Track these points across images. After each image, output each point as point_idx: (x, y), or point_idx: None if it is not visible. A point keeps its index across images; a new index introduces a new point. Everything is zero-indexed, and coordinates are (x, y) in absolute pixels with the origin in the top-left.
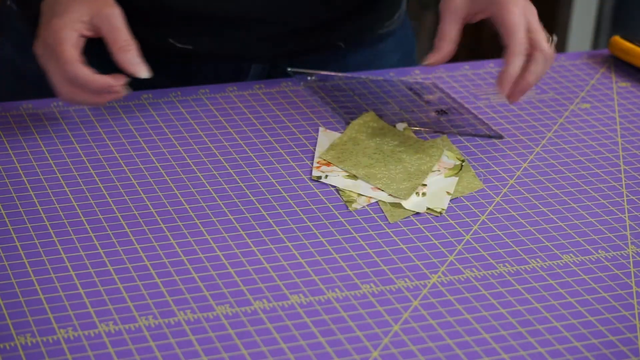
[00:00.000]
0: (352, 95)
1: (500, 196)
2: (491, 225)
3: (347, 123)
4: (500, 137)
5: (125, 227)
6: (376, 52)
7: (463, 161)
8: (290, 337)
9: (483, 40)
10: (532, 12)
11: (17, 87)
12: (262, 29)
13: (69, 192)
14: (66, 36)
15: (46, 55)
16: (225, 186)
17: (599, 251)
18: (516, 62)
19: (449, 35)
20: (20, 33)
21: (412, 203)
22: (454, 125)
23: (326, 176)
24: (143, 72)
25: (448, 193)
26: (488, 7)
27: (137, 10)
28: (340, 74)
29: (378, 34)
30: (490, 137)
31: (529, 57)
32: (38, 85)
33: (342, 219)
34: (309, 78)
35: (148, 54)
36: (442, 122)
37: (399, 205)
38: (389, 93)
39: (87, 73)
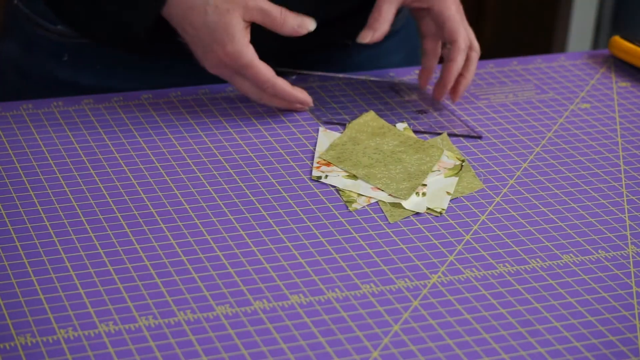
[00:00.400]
0: (352, 95)
1: (500, 196)
2: (491, 225)
3: (347, 123)
4: (478, 137)
5: (125, 227)
6: (381, 50)
7: (463, 161)
8: (290, 337)
9: (483, 40)
10: (462, 11)
11: (21, 86)
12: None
13: (69, 192)
14: (250, 56)
15: (231, 75)
16: (225, 186)
17: (599, 251)
18: (461, 57)
19: (386, 16)
20: (26, 33)
21: (412, 203)
22: (431, 127)
23: (326, 176)
24: (310, 24)
25: (448, 193)
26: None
27: None
28: (340, 75)
29: None
30: (467, 136)
31: (467, 56)
32: (42, 85)
33: (342, 219)
34: (293, 77)
35: (154, 53)
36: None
37: (399, 205)
38: (389, 93)
39: (285, 88)
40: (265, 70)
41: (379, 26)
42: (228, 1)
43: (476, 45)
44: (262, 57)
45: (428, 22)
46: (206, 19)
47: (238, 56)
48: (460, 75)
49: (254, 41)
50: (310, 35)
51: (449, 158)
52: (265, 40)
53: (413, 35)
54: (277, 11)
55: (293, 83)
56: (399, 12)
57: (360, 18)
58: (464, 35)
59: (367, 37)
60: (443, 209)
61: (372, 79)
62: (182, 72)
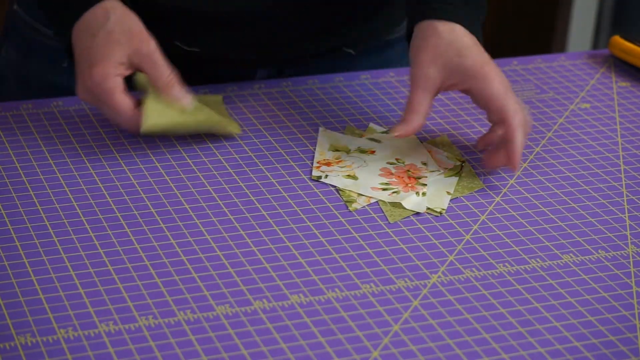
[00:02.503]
0: (351, 97)
1: (500, 196)
2: (491, 225)
3: (347, 124)
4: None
5: (125, 227)
6: (385, 58)
7: (463, 162)
8: (290, 337)
9: (483, 41)
10: (508, 85)
11: (21, 92)
12: (269, 31)
13: (69, 192)
14: (112, 85)
15: (95, 102)
16: (225, 186)
17: (599, 251)
18: (520, 135)
19: (419, 108)
20: (25, 38)
21: (412, 203)
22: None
23: (326, 176)
24: (189, 103)
25: (448, 193)
26: (466, 80)
27: (143, 11)
28: (340, 76)
29: (387, 40)
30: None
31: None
32: (42, 91)
33: (342, 219)
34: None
35: None
36: None
37: (399, 205)
38: (389, 95)
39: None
40: (124, 100)
41: (412, 118)
42: (124, 34)
43: (529, 118)
44: (266, 62)
45: (475, 100)
46: (93, 41)
47: (102, 79)
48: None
49: (259, 45)
50: (314, 40)
51: (449, 159)
52: (269, 45)
53: None
54: (167, 72)
55: (293, 84)
56: (401, 20)
57: (366, 25)
58: (513, 110)
59: (398, 130)
60: (443, 209)
61: (372, 80)
62: (183, 77)
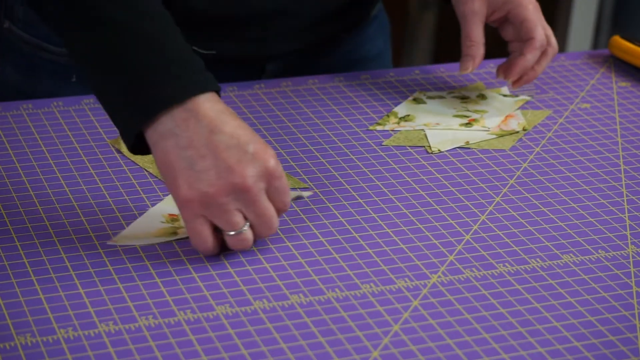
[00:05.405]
0: (351, 97)
1: (500, 196)
2: (491, 225)
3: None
4: None
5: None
6: (365, 37)
7: (524, 129)
8: (290, 337)
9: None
10: (539, 9)
11: None
12: (279, 25)
13: (69, 192)
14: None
15: (260, 193)
16: None
17: (599, 251)
18: (534, 55)
19: (477, 38)
20: (22, 55)
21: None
22: None
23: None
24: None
25: (466, 143)
26: (503, 6)
27: None
28: (340, 76)
29: (369, 18)
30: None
31: (542, 52)
32: None
33: (341, 219)
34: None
35: None
36: None
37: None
38: (389, 95)
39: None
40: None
41: (476, 52)
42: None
43: (553, 42)
44: (274, 57)
45: (508, 27)
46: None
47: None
48: (531, 68)
49: (269, 41)
50: (317, 29)
51: (518, 126)
52: (278, 40)
53: (385, 19)
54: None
55: (293, 84)
56: (375, 0)
57: (357, 7)
58: (540, 34)
59: (469, 66)
60: (439, 150)
61: (371, 80)
62: None
